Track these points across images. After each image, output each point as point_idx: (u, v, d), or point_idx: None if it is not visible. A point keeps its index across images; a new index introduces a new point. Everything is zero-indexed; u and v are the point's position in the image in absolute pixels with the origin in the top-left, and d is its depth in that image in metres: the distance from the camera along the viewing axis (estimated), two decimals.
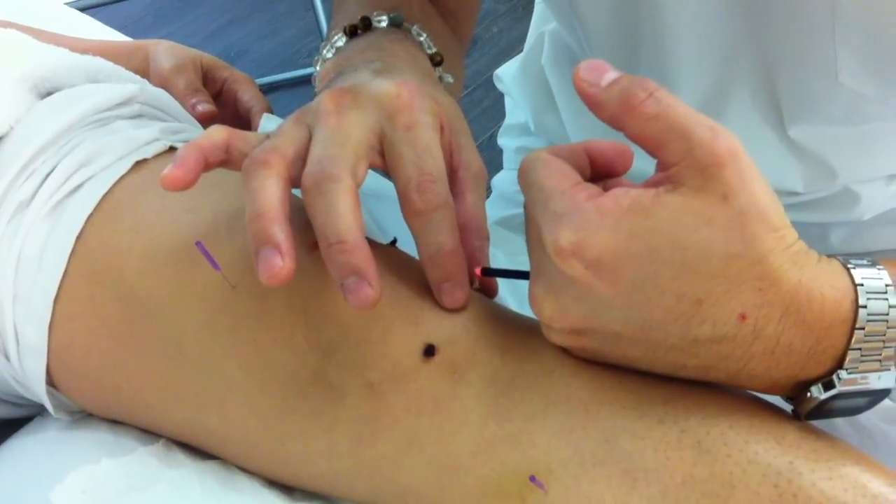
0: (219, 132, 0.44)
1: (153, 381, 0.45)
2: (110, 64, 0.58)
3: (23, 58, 0.55)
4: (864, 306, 0.37)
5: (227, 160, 0.44)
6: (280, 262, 0.38)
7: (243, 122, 0.74)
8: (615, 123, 0.38)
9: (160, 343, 0.45)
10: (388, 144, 0.44)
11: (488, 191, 0.94)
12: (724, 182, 0.35)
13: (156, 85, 0.68)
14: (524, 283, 0.42)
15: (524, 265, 0.42)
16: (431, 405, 0.41)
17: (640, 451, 0.38)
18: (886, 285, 0.37)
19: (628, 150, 0.42)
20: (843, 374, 0.37)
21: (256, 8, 2.41)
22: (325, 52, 0.57)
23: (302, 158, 0.42)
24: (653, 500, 0.37)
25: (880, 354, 0.37)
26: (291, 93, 2.11)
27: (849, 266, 0.38)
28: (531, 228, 0.40)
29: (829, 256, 0.38)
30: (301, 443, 0.43)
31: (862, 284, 0.37)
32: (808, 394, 0.38)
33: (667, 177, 0.37)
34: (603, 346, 0.40)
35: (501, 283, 0.49)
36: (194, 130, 0.55)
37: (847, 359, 0.37)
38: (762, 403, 0.41)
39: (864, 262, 0.38)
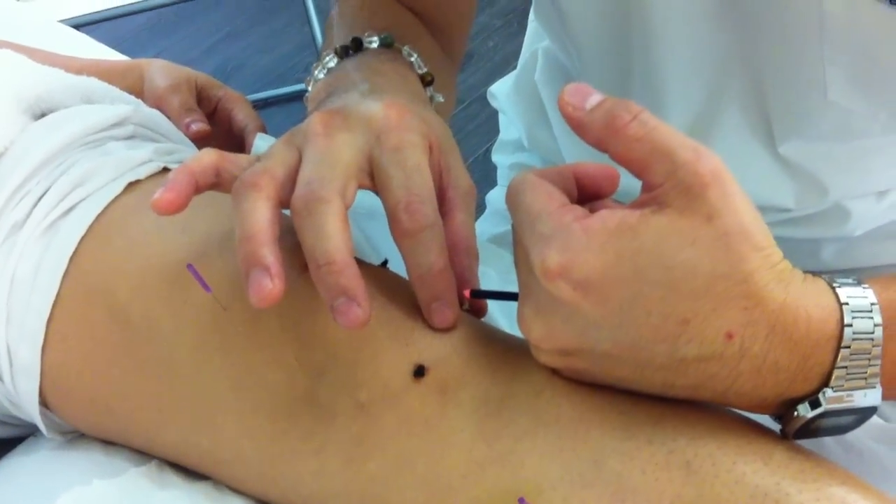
0: (209, 155, 0.44)
1: (145, 402, 0.46)
2: (104, 84, 0.59)
3: (17, 78, 0.56)
4: (850, 325, 0.37)
5: (218, 183, 0.44)
6: (270, 284, 0.39)
7: (237, 141, 0.74)
8: (600, 146, 0.38)
9: (152, 363, 0.45)
10: (376, 165, 0.44)
11: (483, 207, 0.94)
12: (708, 203, 0.36)
13: (150, 104, 0.69)
14: (515, 303, 0.42)
15: (516, 283, 0.43)
16: (422, 425, 0.41)
17: (629, 471, 0.38)
18: (872, 304, 0.37)
19: (615, 173, 0.42)
20: (829, 392, 0.37)
21: (253, 23, 2.42)
22: (316, 72, 0.58)
23: (292, 180, 0.43)
24: None
25: (866, 372, 0.37)
26: (288, 108, 2.12)
27: (834, 285, 0.38)
28: (519, 250, 0.41)
29: (815, 275, 0.38)
30: (292, 463, 0.43)
31: (847, 303, 0.37)
32: (795, 412, 0.38)
33: (652, 198, 0.37)
34: (591, 366, 0.40)
35: (492, 302, 0.50)
36: (187, 151, 0.55)
37: (833, 377, 0.37)
38: (750, 423, 0.41)
39: (850, 280, 0.38)
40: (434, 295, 0.43)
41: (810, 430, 0.39)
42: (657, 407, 0.40)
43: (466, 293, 0.45)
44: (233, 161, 0.44)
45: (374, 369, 0.42)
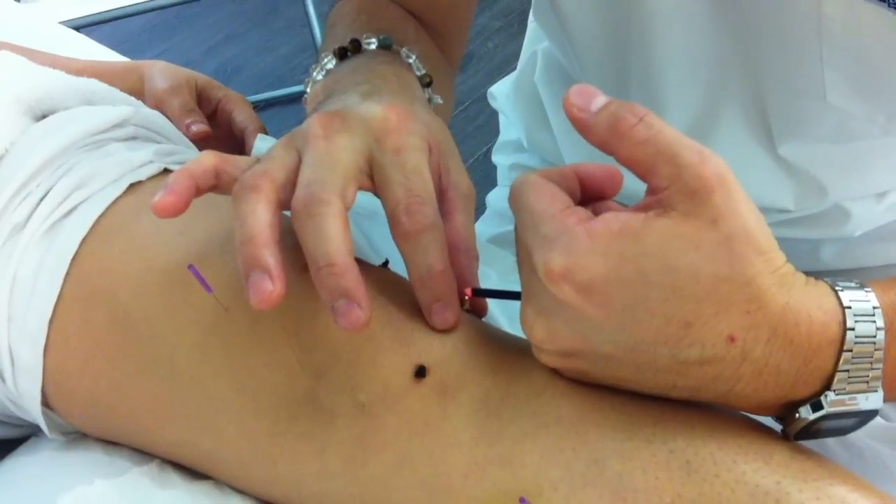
0: (208, 158, 0.44)
1: (147, 403, 0.46)
2: (105, 86, 0.59)
3: (18, 80, 0.56)
4: (852, 329, 0.37)
5: (218, 185, 0.44)
6: (270, 286, 0.39)
7: (237, 142, 0.74)
8: (605, 148, 0.38)
9: (154, 364, 0.45)
10: (376, 167, 0.44)
11: (483, 208, 0.94)
12: (712, 206, 0.36)
13: (151, 105, 0.69)
14: (515, 302, 0.42)
15: (516, 283, 0.43)
16: (422, 426, 0.41)
17: (630, 471, 0.38)
18: (874, 307, 0.37)
19: (618, 174, 0.42)
20: (831, 395, 0.37)
21: (253, 24, 2.43)
22: (315, 74, 0.58)
23: (292, 182, 0.43)
24: None
25: (868, 376, 0.38)
26: (288, 109, 2.12)
27: (836, 288, 0.38)
28: (522, 251, 0.41)
29: (817, 279, 0.39)
30: (293, 464, 0.43)
31: (850, 307, 0.37)
32: (797, 415, 0.38)
33: (656, 200, 0.37)
34: (593, 367, 0.40)
35: (492, 301, 0.50)
36: (188, 152, 0.55)
37: (835, 380, 0.37)
38: (751, 423, 0.41)
39: (852, 284, 0.38)
40: (434, 296, 0.44)
41: (811, 431, 0.39)
42: (657, 407, 0.40)
43: (468, 292, 0.45)
44: (232, 163, 0.44)
45: (374, 370, 0.42)
